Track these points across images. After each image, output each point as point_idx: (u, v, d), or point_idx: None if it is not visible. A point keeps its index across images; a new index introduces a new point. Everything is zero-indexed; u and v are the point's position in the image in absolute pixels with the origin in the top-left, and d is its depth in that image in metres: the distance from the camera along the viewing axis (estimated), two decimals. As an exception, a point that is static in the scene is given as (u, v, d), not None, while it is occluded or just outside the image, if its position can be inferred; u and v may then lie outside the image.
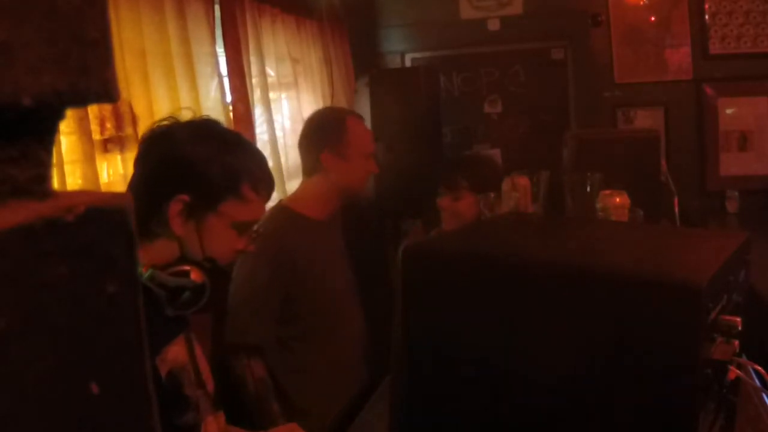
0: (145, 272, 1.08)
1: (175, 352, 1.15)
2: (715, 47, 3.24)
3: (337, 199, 2.06)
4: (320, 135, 2.04)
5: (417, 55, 3.54)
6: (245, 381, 1.80)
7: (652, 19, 3.30)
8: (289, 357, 1.93)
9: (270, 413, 1.82)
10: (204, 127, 1.26)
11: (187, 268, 1.15)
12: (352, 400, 1.88)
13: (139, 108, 1.61)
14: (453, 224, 2.17)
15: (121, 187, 1.54)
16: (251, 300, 1.85)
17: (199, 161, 1.20)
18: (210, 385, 1.28)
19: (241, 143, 1.29)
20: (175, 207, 1.17)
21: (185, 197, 1.17)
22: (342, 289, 2.06)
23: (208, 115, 1.38)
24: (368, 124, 2.85)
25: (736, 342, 0.77)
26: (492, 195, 2.07)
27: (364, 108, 3.05)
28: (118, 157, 1.58)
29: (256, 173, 1.28)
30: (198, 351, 1.27)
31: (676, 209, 2.06)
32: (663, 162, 2.22)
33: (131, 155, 1.41)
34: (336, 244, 2.10)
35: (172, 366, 1.16)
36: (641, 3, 3.29)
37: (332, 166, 1.99)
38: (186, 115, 1.29)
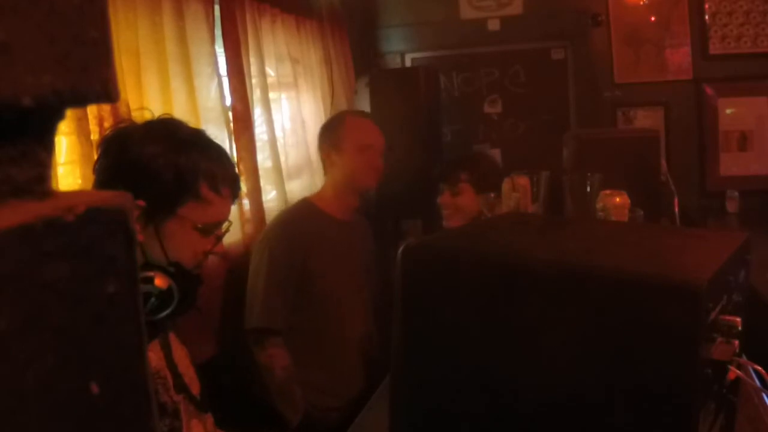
0: None
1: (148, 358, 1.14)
2: (715, 47, 3.24)
3: (347, 195, 2.13)
4: (322, 133, 2.18)
5: (417, 55, 3.54)
6: (272, 370, 1.85)
7: (652, 19, 3.30)
8: (292, 348, 1.95)
9: (293, 398, 1.86)
10: (157, 128, 1.21)
11: (150, 274, 1.12)
12: (354, 400, 1.88)
13: (135, 109, 1.61)
14: (455, 221, 2.18)
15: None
16: (271, 284, 1.90)
17: (151, 165, 1.15)
18: (195, 389, 1.27)
19: (198, 142, 1.24)
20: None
21: (141, 203, 1.13)
22: (353, 289, 2.08)
23: (168, 114, 1.33)
24: (368, 124, 2.84)
25: (736, 342, 0.77)
26: (492, 195, 2.07)
27: (364, 108, 3.05)
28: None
29: (215, 172, 1.22)
30: (181, 355, 1.27)
31: (676, 209, 2.06)
32: (663, 162, 2.22)
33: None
34: (354, 245, 2.15)
35: None
36: (641, 3, 3.29)
37: (331, 160, 2.11)
38: (146, 116, 1.25)
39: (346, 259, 2.08)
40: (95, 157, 1.42)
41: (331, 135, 2.14)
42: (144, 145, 1.16)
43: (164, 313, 1.13)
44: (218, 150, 1.28)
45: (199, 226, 1.21)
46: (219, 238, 1.28)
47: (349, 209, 2.15)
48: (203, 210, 1.22)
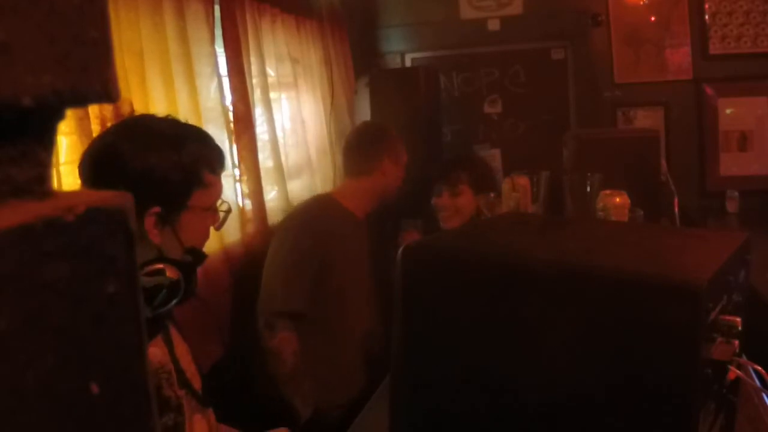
0: None
1: (152, 353, 1.14)
2: (715, 47, 3.24)
3: (377, 200, 2.24)
4: (385, 143, 2.29)
5: (417, 55, 3.54)
6: (281, 355, 1.85)
7: (652, 19, 3.30)
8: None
9: (303, 388, 1.85)
10: (143, 132, 1.22)
11: (160, 266, 1.13)
12: (355, 400, 1.88)
13: (139, 108, 1.61)
14: (454, 223, 2.18)
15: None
16: (294, 267, 1.94)
17: (157, 172, 1.17)
18: (197, 384, 1.27)
19: (186, 133, 1.27)
20: (149, 221, 1.16)
21: (156, 209, 1.16)
22: (362, 286, 2.13)
23: (132, 113, 1.37)
24: (368, 124, 2.85)
25: (736, 342, 0.77)
26: (492, 195, 2.07)
27: (364, 108, 3.06)
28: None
29: (210, 157, 1.28)
30: (183, 350, 1.27)
31: (676, 209, 2.06)
32: (663, 162, 2.22)
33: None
34: (366, 243, 2.22)
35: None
36: (641, 3, 3.29)
37: (389, 170, 2.24)
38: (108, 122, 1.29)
39: (359, 257, 2.14)
40: None
41: (392, 145, 2.27)
42: (145, 155, 1.17)
43: (173, 302, 1.14)
44: (203, 133, 1.32)
45: (205, 209, 1.27)
46: (226, 214, 1.34)
47: (365, 209, 2.23)
48: (208, 193, 1.27)
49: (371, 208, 2.24)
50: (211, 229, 1.34)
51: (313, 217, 2.06)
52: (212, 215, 1.31)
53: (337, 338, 2.01)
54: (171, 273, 1.14)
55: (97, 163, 1.18)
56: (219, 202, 1.33)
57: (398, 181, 2.29)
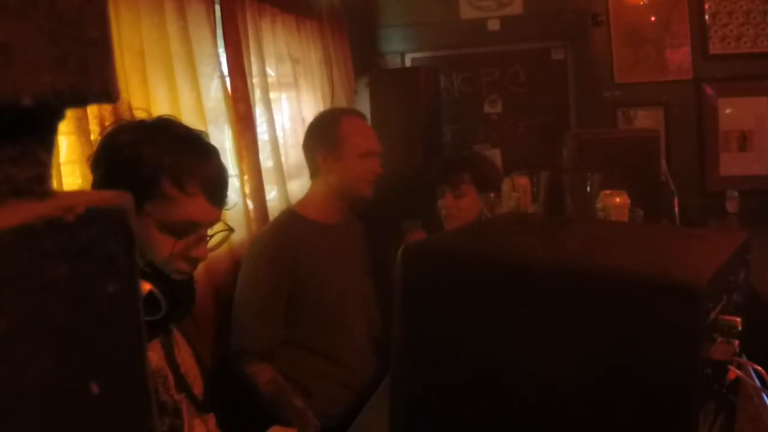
0: None
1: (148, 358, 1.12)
2: (715, 47, 3.24)
3: (340, 201, 2.05)
4: (316, 137, 2.06)
5: (417, 55, 3.54)
6: (257, 387, 1.78)
7: (652, 19, 3.30)
8: (294, 359, 1.92)
9: (295, 409, 1.79)
10: (148, 125, 1.16)
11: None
12: (355, 404, 1.86)
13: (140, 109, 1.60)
14: (458, 224, 2.15)
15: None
16: (253, 304, 1.84)
17: (120, 154, 1.09)
18: (198, 388, 1.26)
19: (178, 139, 1.15)
20: None
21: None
22: (351, 293, 2.02)
23: (168, 115, 1.27)
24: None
25: (736, 342, 0.77)
26: (492, 195, 2.06)
27: (364, 108, 3.05)
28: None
29: (181, 167, 1.11)
30: (184, 354, 1.26)
31: (676, 209, 2.06)
32: (663, 162, 2.22)
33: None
34: (349, 248, 2.08)
35: None
36: (641, 3, 3.29)
37: (328, 167, 2.00)
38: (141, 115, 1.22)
39: (342, 262, 2.02)
40: None
41: (327, 138, 2.01)
42: (120, 135, 1.13)
43: (154, 317, 1.06)
44: (201, 147, 1.18)
45: (167, 224, 1.12)
46: (196, 242, 1.17)
47: (340, 212, 2.06)
48: (168, 208, 1.11)
49: (343, 209, 2.06)
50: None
51: (269, 247, 1.89)
52: (169, 238, 1.12)
53: (331, 351, 1.94)
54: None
55: (102, 138, 1.19)
56: (215, 229, 1.19)
57: (363, 177, 2.00)
